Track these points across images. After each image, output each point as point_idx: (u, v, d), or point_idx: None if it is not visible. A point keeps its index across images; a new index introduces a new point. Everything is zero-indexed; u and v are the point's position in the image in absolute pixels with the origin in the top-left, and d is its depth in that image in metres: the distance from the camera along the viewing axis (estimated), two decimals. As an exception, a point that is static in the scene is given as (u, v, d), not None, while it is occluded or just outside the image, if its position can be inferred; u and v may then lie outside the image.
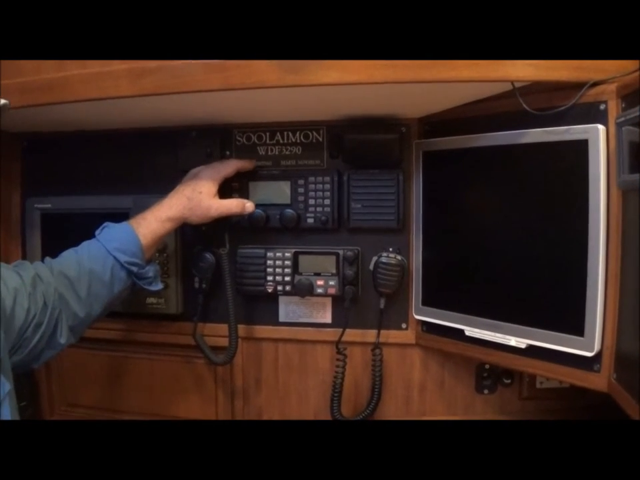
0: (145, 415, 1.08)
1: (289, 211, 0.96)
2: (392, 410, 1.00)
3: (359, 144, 0.94)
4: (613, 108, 0.68)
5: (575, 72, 0.69)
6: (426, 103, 0.88)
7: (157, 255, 0.99)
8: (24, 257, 1.08)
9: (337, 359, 0.96)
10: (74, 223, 1.04)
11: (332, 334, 0.98)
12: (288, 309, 1.02)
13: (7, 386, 0.66)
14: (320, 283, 0.96)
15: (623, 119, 0.62)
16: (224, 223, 0.95)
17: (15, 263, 0.78)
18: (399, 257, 0.94)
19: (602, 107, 0.69)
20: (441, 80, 0.68)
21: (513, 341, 0.79)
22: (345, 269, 0.95)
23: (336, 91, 0.73)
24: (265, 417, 1.05)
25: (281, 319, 1.02)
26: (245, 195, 0.98)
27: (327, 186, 0.96)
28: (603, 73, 0.69)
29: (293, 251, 0.97)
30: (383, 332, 0.96)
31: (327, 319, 1.01)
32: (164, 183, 0.95)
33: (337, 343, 0.96)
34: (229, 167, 0.94)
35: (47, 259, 0.81)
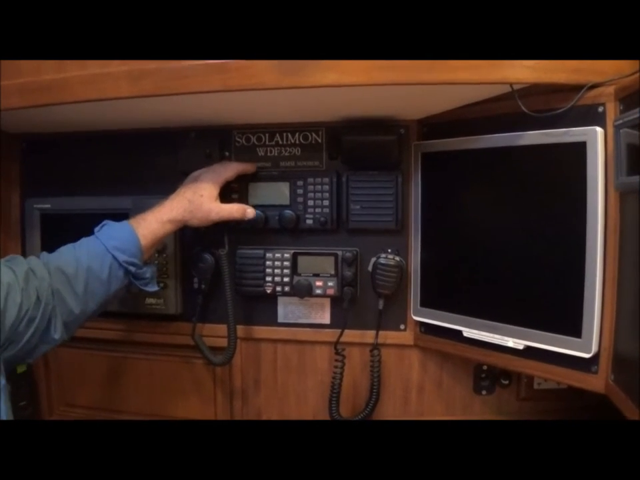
0: (144, 415, 1.08)
1: (288, 211, 0.97)
2: (390, 410, 1.00)
3: (357, 145, 0.94)
4: (611, 110, 0.68)
5: (573, 74, 0.69)
6: (425, 105, 0.88)
7: (157, 255, 0.99)
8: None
9: (336, 360, 0.96)
10: (73, 224, 1.03)
11: (331, 335, 0.98)
12: (287, 309, 1.02)
13: (1, 380, 0.66)
14: (319, 283, 0.96)
15: (620, 121, 0.62)
16: (223, 224, 0.95)
17: (7, 258, 0.76)
18: (397, 258, 0.94)
19: (600, 109, 0.69)
20: (440, 82, 0.68)
21: (511, 342, 0.79)
22: (344, 270, 0.95)
23: (335, 93, 0.74)
24: (264, 417, 1.06)
25: (280, 319, 1.02)
26: (244, 195, 0.98)
27: (326, 187, 0.96)
28: (601, 75, 0.69)
29: (292, 251, 0.97)
30: (381, 333, 0.96)
31: (326, 319, 1.01)
32: (163, 183, 0.95)
33: (336, 343, 0.96)
34: (230, 170, 0.94)
35: (44, 253, 0.80)
